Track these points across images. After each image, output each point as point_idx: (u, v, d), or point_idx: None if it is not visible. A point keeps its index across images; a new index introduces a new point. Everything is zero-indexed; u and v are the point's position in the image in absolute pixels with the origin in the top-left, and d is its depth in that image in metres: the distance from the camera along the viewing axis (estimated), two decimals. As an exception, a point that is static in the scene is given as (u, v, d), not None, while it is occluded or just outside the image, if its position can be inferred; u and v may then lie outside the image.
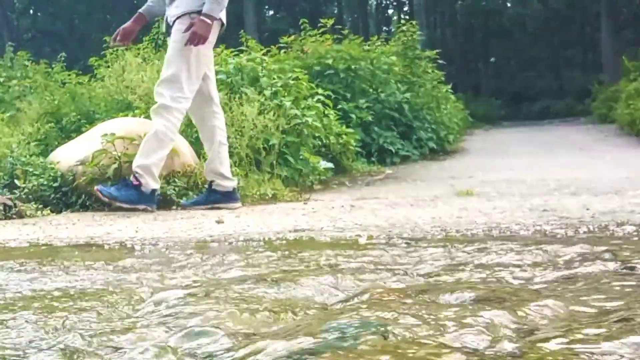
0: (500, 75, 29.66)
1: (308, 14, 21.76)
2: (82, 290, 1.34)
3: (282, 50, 7.04)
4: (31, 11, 27.38)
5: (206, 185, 3.42)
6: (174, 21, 3.24)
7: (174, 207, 3.38)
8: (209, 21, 3.12)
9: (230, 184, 3.35)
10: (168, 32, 3.33)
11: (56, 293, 1.32)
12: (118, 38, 3.43)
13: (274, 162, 4.13)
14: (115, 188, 3.21)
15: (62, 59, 7.33)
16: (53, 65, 7.47)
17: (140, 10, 3.47)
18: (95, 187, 3.20)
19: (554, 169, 5.16)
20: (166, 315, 1.08)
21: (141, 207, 3.18)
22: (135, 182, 3.17)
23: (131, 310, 1.14)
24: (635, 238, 1.81)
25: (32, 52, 9.39)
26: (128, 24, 3.43)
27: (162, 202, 3.42)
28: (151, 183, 3.20)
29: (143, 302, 1.20)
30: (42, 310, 1.15)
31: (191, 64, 3.21)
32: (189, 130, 4.30)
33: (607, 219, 2.21)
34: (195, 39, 3.12)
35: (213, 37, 3.27)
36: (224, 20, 3.31)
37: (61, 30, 26.52)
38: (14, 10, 26.39)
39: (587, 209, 2.55)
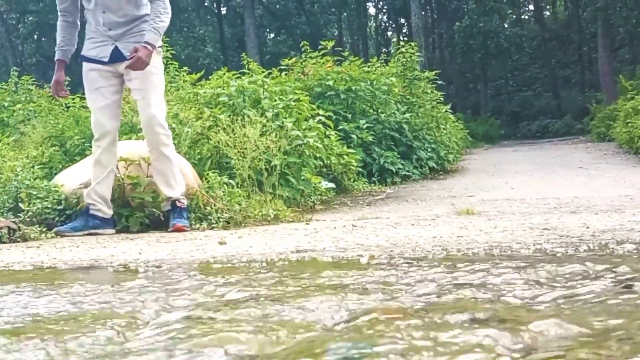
0: (499, 95, 29.82)
1: (308, 37, 21.97)
2: (85, 313, 1.34)
3: (283, 72, 7.11)
4: (35, 36, 27.65)
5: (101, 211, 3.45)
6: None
7: (171, 229, 3.39)
8: (151, 49, 3.32)
9: (110, 211, 3.45)
10: (112, 60, 3.43)
11: (58, 316, 1.33)
12: (58, 93, 3.64)
13: (276, 182, 4.15)
14: (184, 217, 3.43)
15: (66, 83, 7.39)
16: (57, 90, 7.53)
17: (58, 58, 3.59)
18: (178, 225, 3.32)
19: (554, 187, 5.17)
20: (169, 338, 1.09)
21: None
22: (185, 205, 3.48)
23: (134, 333, 1.15)
24: (636, 256, 1.82)
25: (37, 76, 9.49)
26: (57, 75, 3.58)
27: (166, 223, 3.44)
28: (186, 200, 3.53)
29: (146, 324, 1.21)
30: (44, 333, 1.16)
31: (164, 90, 3.58)
32: (192, 152, 4.33)
33: (607, 237, 2.22)
34: (141, 65, 3.30)
35: (160, 63, 3.56)
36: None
37: (64, 54, 26.74)
38: (19, 36, 26.66)
39: (587, 227, 2.56)
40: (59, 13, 3.52)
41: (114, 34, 3.43)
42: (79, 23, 3.58)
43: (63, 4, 3.50)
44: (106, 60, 3.43)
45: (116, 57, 3.43)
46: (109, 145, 3.44)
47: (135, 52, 3.29)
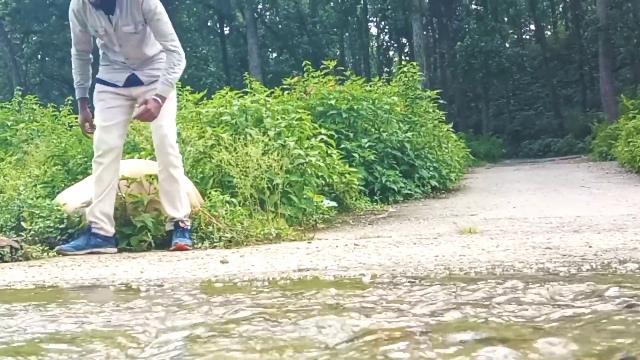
0: (500, 114, 29.93)
1: (310, 56, 22.13)
2: (87, 333, 1.34)
3: (286, 92, 7.15)
4: (39, 56, 27.89)
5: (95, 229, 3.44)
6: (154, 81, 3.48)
7: (173, 248, 3.40)
8: (160, 102, 3.36)
9: (112, 230, 3.44)
10: (127, 85, 3.49)
11: (60, 335, 1.33)
12: (88, 131, 3.63)
13: (278, 201, 4.15)
14: (186, 237, 3.44)
15: (70, 102, 7.46)
16: (60, 109, 7.60)
17: (80, 97, 3.60)
18: (180, 243, 3.34)
19: (556, 206, 5.16)
20: (171, 357, 1.09)
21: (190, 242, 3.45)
22: (188, 226, 3.50)
23: (136, 352, 1.15)
24: (638, 275, 1.81)
25: (40, 96, 9.58)
26: (84, 114, 3.59)
27: (167, 243, 3.44)
28: (189, 222, 3.54)
29: (148, 343, 1.20)
30: (46, 353, 1.15)
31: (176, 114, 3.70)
32: (194, 171, 4.34)
33: (610, 257, 2.21)
34: (149, 117, 3.36)
35: (174, 89, 3.63)
36: None
37: (69, 74, 26.99)
38: (23, 56, 26.89)
39: (590, 247, 2.56)
40: (74, 51, 3.54)
41: (132, 65, 3.52)
42: (92, 56, 3.63)
43: (80, 44, 3.52)
44: (120, 84, 3.49)
45: (131, 81, 3.50)
46: (112, 162, 3.45)
47: (144, 104, 3.35)
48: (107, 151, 3.43)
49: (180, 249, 3.31)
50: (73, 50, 3.54)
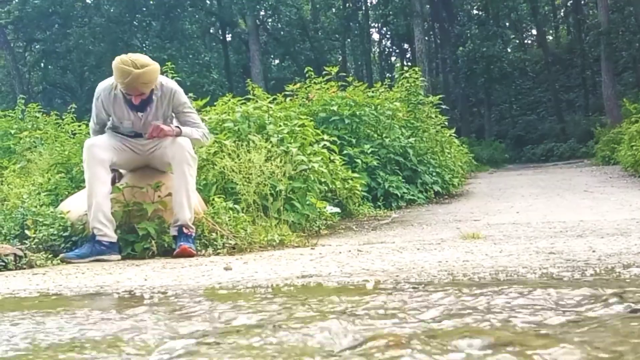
0: (503, 119, 29.93)
1: (313, 62, 22.21)
2: (91, 340, 1.34)
3: (288, 98, 7.17)
4: (42, 64, 28.00)
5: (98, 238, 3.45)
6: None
7: (177, 251, 3.40)
8: (173, 132, 3.49)
9: (115, 234, 3.45)
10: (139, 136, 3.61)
11: (65, 343, 1.33)
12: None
13: (281, 207, 4.15)
14: (190, 242, 3.45)
15: (73, 110, 7.49)
16: (63, 117, 7.63)
17: None
18: (184, 246, 3.36)
19: (560, 211, 5.15)
20: (175, 364, 1.09)
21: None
22: (192, 233, 3.51)
23: None
24: (643, 280, 1.81)
25: (43, 104, 9.63)
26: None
27: (171, 250, 3.44)
28: (194, 229, 3.58)
29: (152, 351, 1.21)
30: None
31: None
32: (197, 178, 4.35)
33: (614, 261, 2.21)
34: (156, 131, 3.45)
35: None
36: None
37: (71, 82, 27.11)
38: (26, 64, 27.01)
39: (593, 251, 2.55)
40: (97, 128, 3.65)
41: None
42: None
43: (102, 124, 3.63)
44: (130, 135, 3.60)
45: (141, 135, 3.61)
46: (103, 158, 3.47)
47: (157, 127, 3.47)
48: (98, 147, 3.48)
49: (184, 251, 3.31)
50: (95, 128, 3.66)
